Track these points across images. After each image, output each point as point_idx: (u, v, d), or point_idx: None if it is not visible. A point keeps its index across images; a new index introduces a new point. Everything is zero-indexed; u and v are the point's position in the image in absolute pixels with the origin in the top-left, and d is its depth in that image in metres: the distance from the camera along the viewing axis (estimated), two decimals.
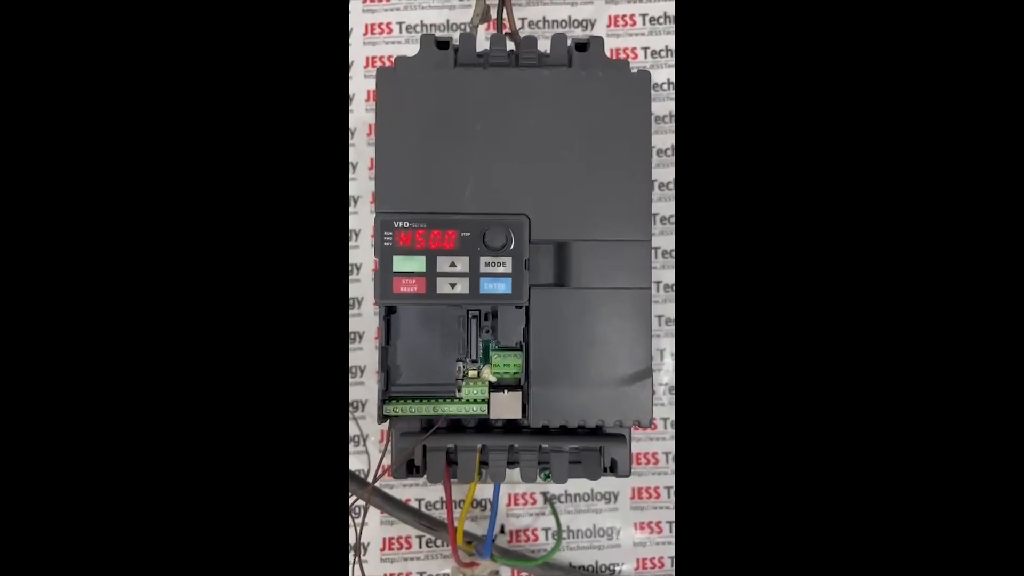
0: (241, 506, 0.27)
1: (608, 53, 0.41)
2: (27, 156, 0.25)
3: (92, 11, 0.26)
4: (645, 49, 0.54)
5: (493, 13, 0.47)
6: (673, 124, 0.52)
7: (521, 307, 0.39)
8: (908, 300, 0.26)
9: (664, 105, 0.53)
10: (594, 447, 0.40)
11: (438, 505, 0.50)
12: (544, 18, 0.54)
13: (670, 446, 0.51)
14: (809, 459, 0.27)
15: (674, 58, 0.53)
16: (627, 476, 0.41)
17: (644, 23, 0.54)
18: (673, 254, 0.52)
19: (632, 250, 0.39)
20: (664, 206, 0.52)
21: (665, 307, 0.52)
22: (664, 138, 0.53)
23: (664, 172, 0.53)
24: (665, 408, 0.52)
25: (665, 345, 0.52)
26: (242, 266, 0.28)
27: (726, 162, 0.30)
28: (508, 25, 0.45)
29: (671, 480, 0.51)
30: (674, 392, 0.51)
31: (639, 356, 0.38)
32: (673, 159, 0.53)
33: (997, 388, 0.25)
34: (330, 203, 0.31)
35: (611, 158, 0.39)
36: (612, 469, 0.41)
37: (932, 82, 0.26)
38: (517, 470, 0.41)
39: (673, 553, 0.50)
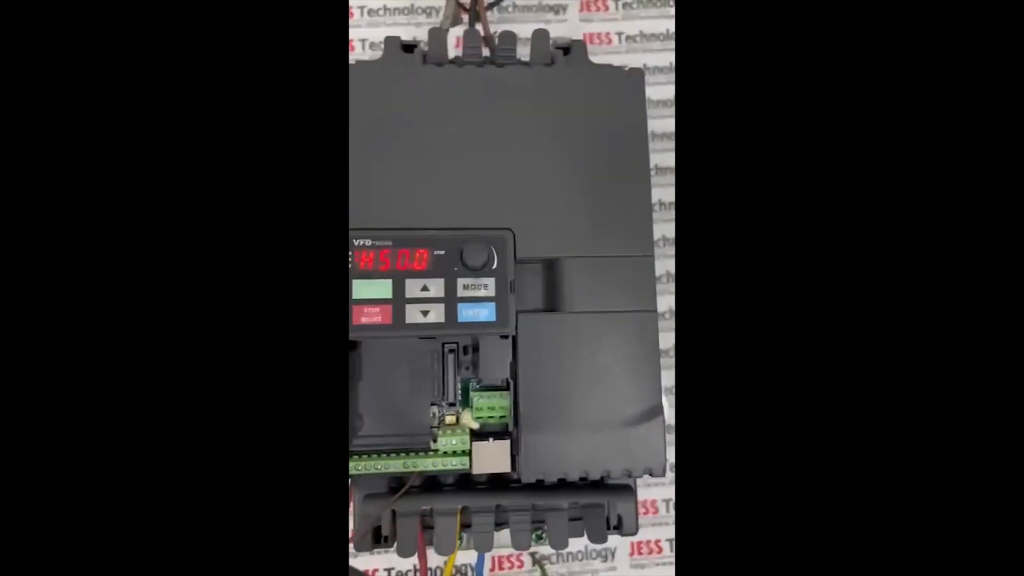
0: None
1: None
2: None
3: None
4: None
5: (464, 19, 0.43)
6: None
7: (507, 337, 0.33)
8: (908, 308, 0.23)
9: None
10: (598, 503, 0.34)
11: None
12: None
13: (670, 492, 0.45)
14: (827, 506, 0.23)
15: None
16: (634, 534, 0.34)
17: (621, 42, 0.51)
18: (672, 277, 0.47)
19: (633, 267, 0.33)
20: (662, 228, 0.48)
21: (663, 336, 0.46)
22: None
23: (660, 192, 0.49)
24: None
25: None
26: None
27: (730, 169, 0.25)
28: (483, 29, 0.41)
29: (673, 532, 0.44)
30: (674, 432, 0.45)
31: (647, 391, 0.33)
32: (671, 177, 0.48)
33: (999, 376, 0.22)
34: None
35: (605, 164, 0.34)
36: (617, 527, 0.34)
37: (935, 83, 0.24)
38: (506, 532, 0.34)
39: None
